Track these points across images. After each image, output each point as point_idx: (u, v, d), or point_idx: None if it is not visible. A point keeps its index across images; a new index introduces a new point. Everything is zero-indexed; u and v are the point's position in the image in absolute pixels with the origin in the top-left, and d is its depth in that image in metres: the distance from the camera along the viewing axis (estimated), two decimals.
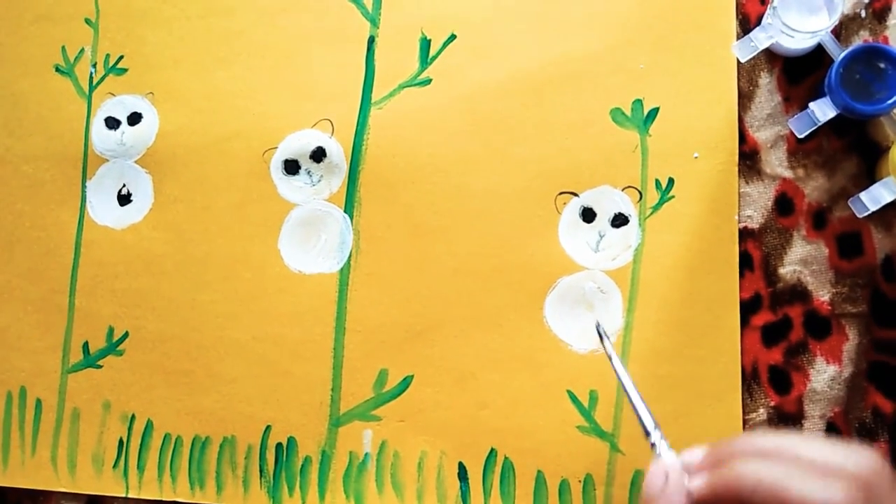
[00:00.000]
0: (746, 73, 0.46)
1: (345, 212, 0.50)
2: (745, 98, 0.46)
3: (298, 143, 0.50)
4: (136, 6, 0.54)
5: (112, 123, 0.53)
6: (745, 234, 0.45)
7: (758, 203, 0.46)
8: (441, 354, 0.48)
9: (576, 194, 0.47)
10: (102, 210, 0.53)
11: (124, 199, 0.53)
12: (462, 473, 0.47)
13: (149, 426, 0.50)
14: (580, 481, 0.45)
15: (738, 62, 0.46)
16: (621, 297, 0.46)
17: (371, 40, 0.51)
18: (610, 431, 0.45)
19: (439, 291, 0.48)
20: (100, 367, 0.51)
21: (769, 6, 0.43)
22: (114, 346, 0.51)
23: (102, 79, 0.54)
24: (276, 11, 0.52)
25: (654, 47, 0.47)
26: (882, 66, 0.41)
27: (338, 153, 0.50)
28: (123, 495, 0.50)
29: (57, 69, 0.55)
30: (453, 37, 0.50)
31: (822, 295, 0.45)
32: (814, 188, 0.45)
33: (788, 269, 0.45)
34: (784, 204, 0.45)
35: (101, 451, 0.51)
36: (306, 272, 0.50)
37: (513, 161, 0.48)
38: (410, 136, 0.49)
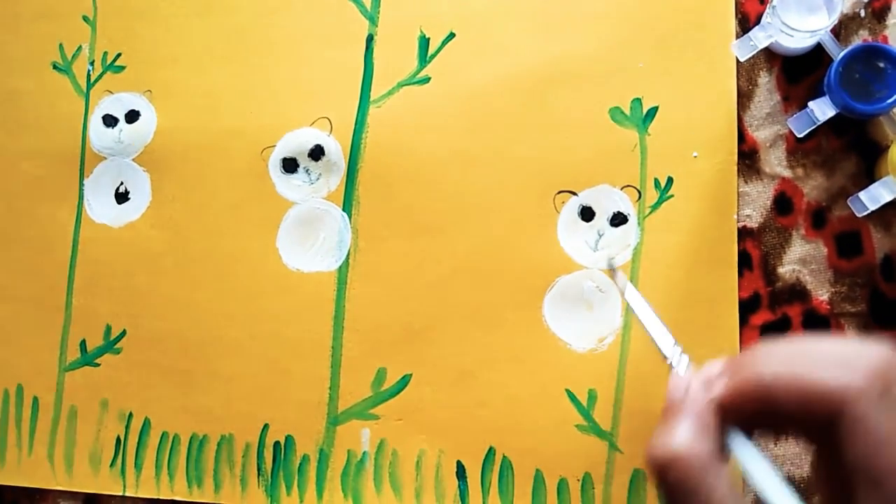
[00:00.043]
0: (746, 73, 0.46)
1: (343, 210, 0.50)
2: (744, 97, 0.46)
3: (297, 142, 0.50)
4: (133, 4, 0.54)
5: (110, 121, 0.53)
6: (743, 233, 0.45)
7: (757, 202, 0.46)
8: (439, 353, 0.48)
9: (574, 193, 0.47)
10: (100, 208, 0.53)
11: (122, 197, 0.52)
12: (460, 472, 0.47)
13: (146, 424, 0.50)
14: (579, 480, 0.45)
15: (738, 61, 0.46)
16: (620, 297, 0.46)
17: (370, 38, 0.50)
18: (608, 430, 0.45)
19: (438, 290, 0.48)
20: (97, 365, 0.51)
21: (768, 5, 0.43)
22: (111, 344, 0.51)
23: (100, 76, 0.54)
24: (275, 9, 0.52)
25: (653, 46, 0.47)
26: (881, 65, 0.41)
27: (336, 151, 0.50)
28: (121, 494, 0.50)
29: (54, 66, 0.54)
30: (452, 35, 0.50)
31: (821, 294, 0.45)
32: (813, 187, 0.45)
33: (787, 268, 0.45)
34: (783, 203, 0.45)
35: (99, 450, 0.51)
36: (304, 270, 0.50)
37: (511, 159, 0.48)
38: (409, 134, 0.49)
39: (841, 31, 0.46)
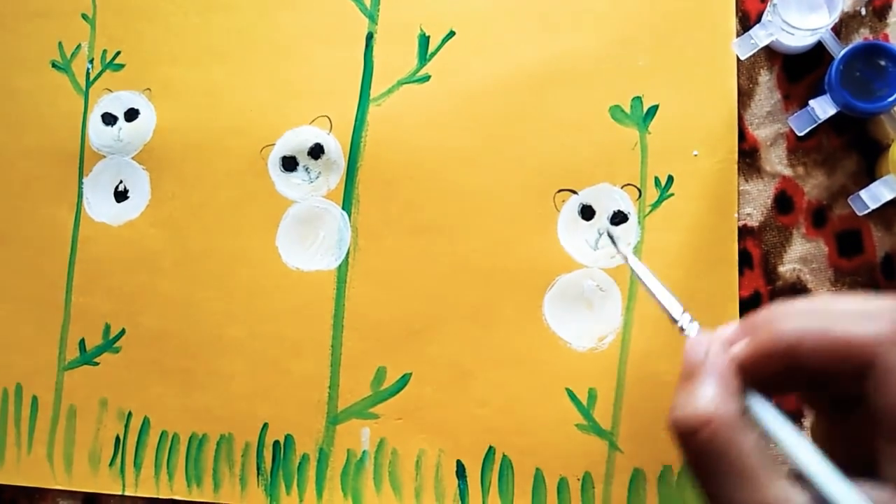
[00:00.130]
0: (746, 71, 0.46)
1: (343, 209, 0.49)
2: (744, 96, 0.46)
3: (296, 140, 0.50)
4: (133, 2, 0.54)
5: (109, 119, 0.53)
6: (744, 231, 0.45)
7: (757, 201, 0.46)
8: (439, 352, 0.47)
9: (575, 192, 0.47)
10: (99, 206, 0.53)
11: (121, 196, 0.52)
12: (460, 471, 0.47)
13: (145, 424, 0.50)
14: (579, 479, 0.45)
15: (738, 60, 0.46)
16: (620, 295, 0.46)
17: (370, 37, 0.50)
18: (609, 430, 0.45)
19: (437, 289, 0.48)
20: (96, 364, 0.51)
21: (769, 3, 0.43)
22: (110, 343, 0.51)
23: (99, 75, 0.54)
24: (275, 7, 0.52)
25: (653, 45, 0.47)
26: (882, 63, 0.41)
27: (336, 150, 0.50)
28: (120, 493, 0.50)
29: (53, 65, 0.54)
30: (452, 33, 0.49)
31: (822, 293, 0.45)
32: (813, 186, 0.45)
33: (788, 267, 0.45)
34: (784, 202, 0.45)
35: (98, 449, 0.51)
36: (304, 269, 0.50)
37: (512, 158, 0.48)
38: (409, 133, 0.49)
39: (842, 29, 0.46)
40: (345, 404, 0.48)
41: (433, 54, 0.49)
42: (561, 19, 0.48)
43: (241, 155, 0.51)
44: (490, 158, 0.48)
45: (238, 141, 0.51)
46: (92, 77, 0.54)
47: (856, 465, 0.30)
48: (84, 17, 0.54)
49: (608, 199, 0.47)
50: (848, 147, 0.45)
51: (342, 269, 0.49)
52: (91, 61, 0.54)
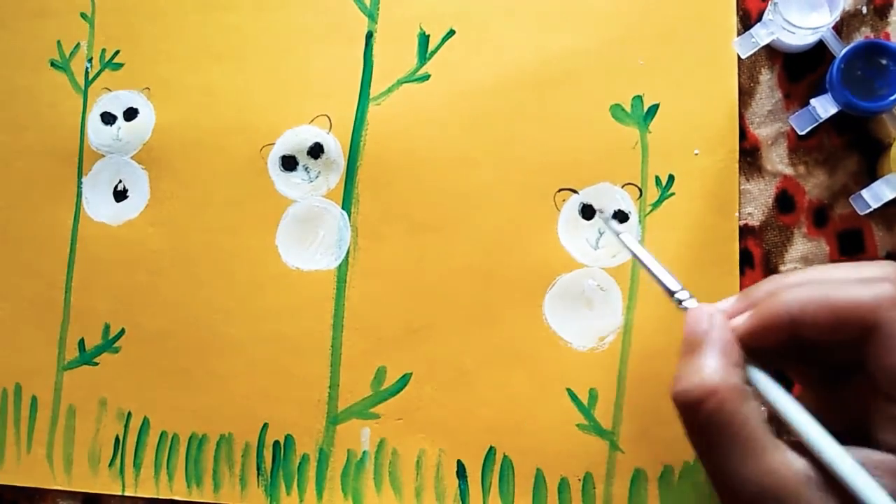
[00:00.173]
0: (747, 70, 0.46)
1: (342, 208, 0.49)
2: (745, 95, 0.46)
3: (296, 139, 0.50)
4: (132, 1, 0.54)
5: (108, 119, 0.53)
6: (745, 231, 0.45)
7: (758, 200, 0.45)
8: (439, 352, 0.47)
9: (575, 191, 0.47)
10: (98, 206, 0.52)
11: (120, 195, 0.52)
12: (461, 472, 0.46)
13: (145, 424, 0.50)
14: (580, 479, 0.45)
15: (739, 58, 0.46)
16: (621, 295, 0.46)
17: (369, 35, 0.50)
18: (610, 429, 0.45)
19: (437, 289, 0.48)
20: (96, 364, 0.51)
21: (770, 2, 0.42)
22: (110, 343, 0.51)
23: (98, 74, 0.53)
24: (274, 6, 0.51)
25: (653, 43, 0.47)
26: (884, 62, 0.41)
27: (335, 149, 0.50)
28: (120, 493, 0.50)
29: (52, 64, 0.54)
30: (452, 32, 0.49)
31: None
32: (815, 185, 0.45)
33: (789, 266, 0.45)
34: (785, 201, 0.45)
35: (98, 449, 0.51)
36: (304, 269, 0.49)
37: (512, 157, 0.48)
38: (408, 132, 0.49)
39: (843, 27, 0.45)
40: (345, 404, 0.48)
41: (433, 53, 0.49)
42: (561, 18, 0.48)
43: (240, 154, 0.51)
44: (490, 157, 0.48)
45: (237, 140, 0.51)
46: (91, 76, 0.54)
47: (844, 436, 0.30)
48: (83, 16, 0.54)
49: (609, 198, 0.47)
50: (849, 146, 0.45)
51: (342, 269, 0.49)
52: (90, 60, 0.54)
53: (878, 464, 0.29)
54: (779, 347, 0.32)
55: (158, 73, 0.52)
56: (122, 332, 0.51)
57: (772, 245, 0.45)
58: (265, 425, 0.49)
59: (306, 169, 0.50)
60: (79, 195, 0.53)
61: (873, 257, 0.44)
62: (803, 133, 0.43)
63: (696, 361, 0.32)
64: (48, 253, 0.53)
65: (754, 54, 0.44)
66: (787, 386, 0.32)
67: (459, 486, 0.46)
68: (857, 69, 0.41)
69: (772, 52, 0.46)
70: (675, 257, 0.45)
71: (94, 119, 0.53)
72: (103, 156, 0.53)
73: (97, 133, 0.53)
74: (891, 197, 0.41)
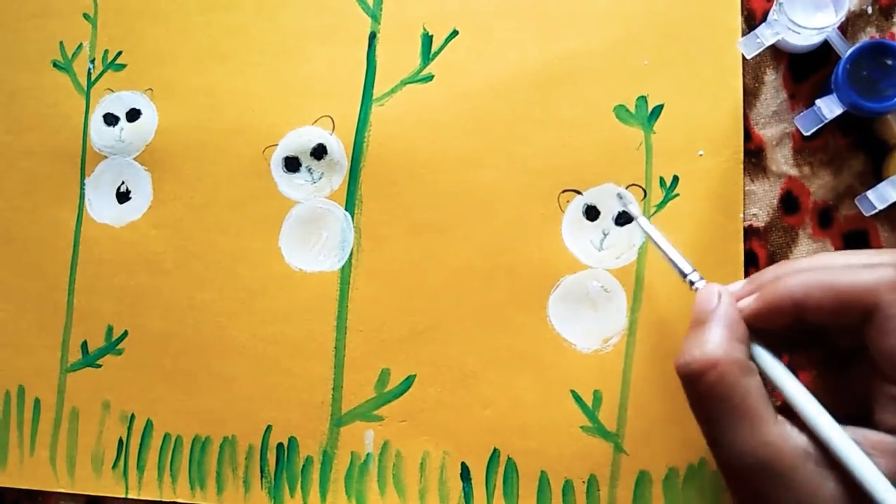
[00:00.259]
0: (752, 70, 0.46)
1: (346, 209, 0.49)
2: (750, 95, 0.46)
3: (299, 140, 0.50)
4: (134, 2, 0.53)
5: (110, 120, 0.53)
6: (750, 232, 0.45)
7: (763, 201, 0.45)
8: (443, 354, 0.47)
9: (579, 192, 0.47)
10: (101, 207, 0.52)
11: (123, 197, 0.52)
12: (465, 474, 0.46)
13: (148, 426, 0.50)
14: (584, 482, 0.45)
15: (744, 59, 0.46)
16: (625, 297, 0.46)
17: (372, 36, 0.50)
18: (614, 431, 0.45)
19: (441, 290, 0.48)
20: (99, 366, 0.51)
21: (775, 2, 0.42)
22: (113, 345, 0.51)
23: (101, 74, 0.53)
24: (277, 7, 0.51)
25: (658, 44, 0.47)
26: (889, 62, 0.41)
27: (339, 150, 0.50)
28: (123, 496, 0.50)
29: (55, 65, 0.54)
30: (455, 33, 0.49)
31: None
32: (820, 186, 0.45)
33: None
34: (790, 202, 0.45)
35: (101, 451, 0.50)
36: (307, 270, 0.49)
37: (515, 158, 0.48)
38: (412, 133, 0.49)
39: (848, 28, 0.45)
40: (348, 406, 0.48)
41: (436, 54, 0.49)
42: (565, 18, 0.48)
43: (243, 155, 0.51)
44: (494, 158, 0.48)
45: (240, 141, 0.51)
46: (93, 77, 0.53)
47: (850, 421, 0.31)
48: (85, 16, 0.54)
49: (613, 199, 0.46)
50: (855, 147, 0.45)
51: (345, 271, 0.49)
52: (92, 61, 0.54)
53: (876, 444, 0.30)
54: (784, 331, 0.33)
55: (161, 74, 0.52)
56: (125, 334, 0.51)
57: (777, 246, 0.45)
58: (269, 427, 0.49)
59: (309, 170, 0.50)
60: (81, 196, 0.53)
61: None
62: (808, 134, 0.43)
63: (700, 335, 0.33)
64: (51, 254, 0.53)
65: (759, 55, 0.44)
66: (792, 371, 0.33)
67: (463, 488, 0.46)
68: (863, 70, 0.41)
69: (777, 53, 0.46)
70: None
71: (96, 120, 0.53)
72: (106, 157, 0.53)
73: (100, 134, 0.53)
74: None
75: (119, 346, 0.51)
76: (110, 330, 0.51)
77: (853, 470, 0.29)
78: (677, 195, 0.46)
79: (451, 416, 0.47)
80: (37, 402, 0.52)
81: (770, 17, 0.43)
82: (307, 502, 0.48)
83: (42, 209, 0.53)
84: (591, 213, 0.47)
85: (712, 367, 0.31)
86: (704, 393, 0.32)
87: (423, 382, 0.47)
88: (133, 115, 0.52)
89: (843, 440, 0.30)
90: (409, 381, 0.47)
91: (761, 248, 0.45)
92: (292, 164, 0.50)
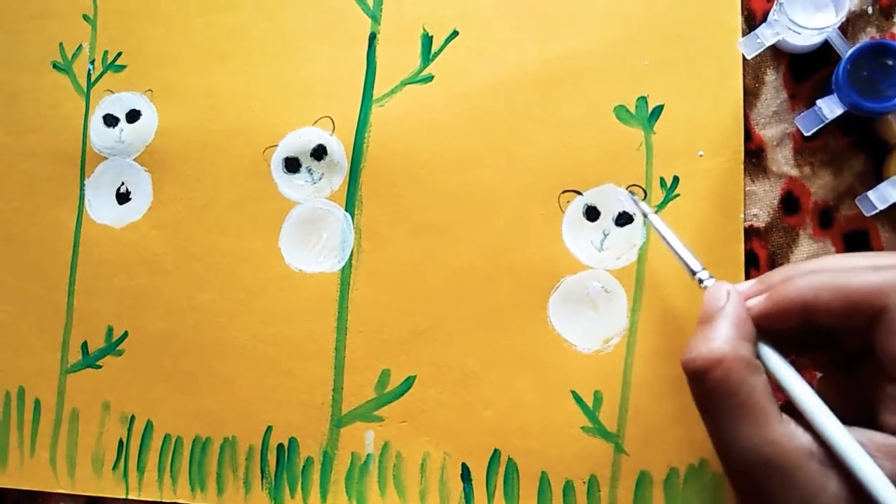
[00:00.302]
0: (752, 70, 0.46)
1: (346, 210, 0.49)
2: (750, 95, 0.46)
3: (299, 141, 0.50)
4: (134, 3, 0.53)
5: (110, 121, 0.53)
6: (750, 232, 0.45)
7: (763, 201, 0.45)
8: (443, 354, 0.47)
9: (579, 192, 0.47)
10: (101, 208, 0.52)
11: (123, 198, 0.52)
12: (465, 475, 0.46)
13: (149, 427, 0.50)
14: (584, 482, 0.45)
15: (744, 59, 0.46)
16: (626, 297, 0.46)
17: (372, 37, 0.50)
18: (615, 432, 0.45)
19: (441, 291, 0.48)
20: (99, 367, 0.51)
21: (775, 2, 0.42)
22: (113, 345, 0.51)
23: (101, 76, 0.53)
24: (277, 8, 0.51)
25: (658, 44, 0.47)
26: (890, 63, 0.41)
27: (339, 151, 0.49)
28: (123, 497, 0.50)
29: (55, 66, 0.54)
30: (455, 33, 0.49)
31: None
32: (820, 186, 0.45)
33: None
34: (790, 202, 0.45)
35: (101, 452, 0.50)
36: (307, 271, 0.49)
37: (515, 159, 0.48)
38: (412, 133, 0.49)
39: (848, 28, 0.45)
40: (349, 407, 0.48)
41: (436, 54, 0.49)
42: (565, 19, 0.48)
43: (243, 156, 0.51)
44: (494, 159, 0.48)
45: (240, 142, 0.51)
46: (93, 78, 0.53)
47: (857, 424, 0.31)
48: (85, 17, 0.54)
49: (613, 199, 0.46)
50: (855, 147, 0.45)
51: (345, 271, 0.49)
52: (92, 62, 0.54)
53: (881, 446, 0.30)
54: (792, 332, 0.33)
55: (161, 75, 0.52)
56: (126, 334, 0.51)
57: (777, 246, 0.45)
58: (269, 428, 0.49)
59: (309, 171, 0.50)
60: (81, 197, 0.53)
61: None
62: (809, 134, 0.43)
63: (707, 332, 0.33)
64: (51, 255, 0.53)
65: (759, 55, 0.44)
66: (798, 372, 0.33)
67: (464, 489, 0.46)
68: (863, 70, 0.41)
69: (777, 53, 0.46)
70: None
71: (96, 121, 0.53)
72: (106, 158, 0.53)
73: (99, 135, 0.53)
74: None
75: (119, 347, 0.51)
76: (110, 331, 0.51)
77: (856, 471, 0.29)
78: (677, 195, 0.46)
79: (451, 417, 0.47)
80: (37, 402, 0.52)
81: (770, 17, 0.43)
82: (307, 503, 0.48)
83: (42, 210, 0.53)
84: (592, 213, 0.47)
85: (718, 364, 0.31)
86: (710, 390, 0.32)
87: (423, 383, 0.47)
88: (133, 116, 0.52)
89: (847, 441, 0.30)
90: (409, 382, 0.47)
91: (762, 249, 0.45)
92: (292, 165, 0.50)
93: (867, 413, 0.32)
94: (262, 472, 0.48)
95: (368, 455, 0.47)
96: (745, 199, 0.45)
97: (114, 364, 0.51)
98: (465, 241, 0.48)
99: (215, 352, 0.50)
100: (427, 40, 0.49)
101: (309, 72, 0.50)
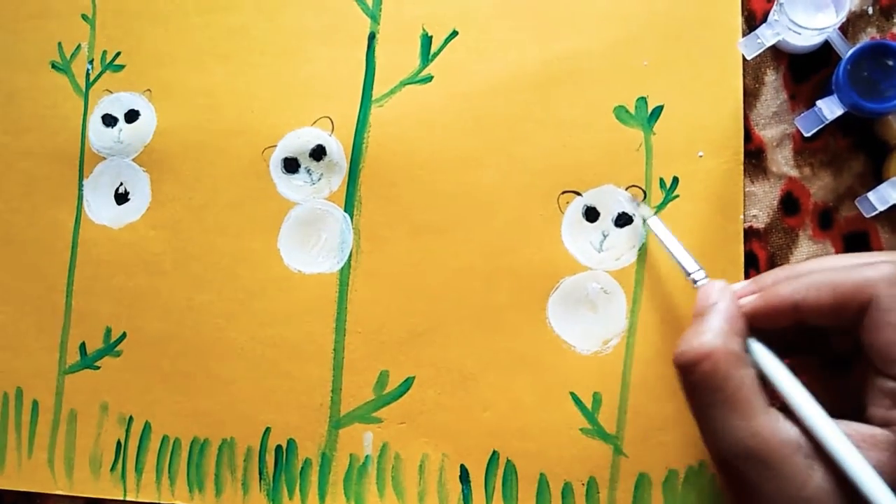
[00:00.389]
0: (752, 71, 0.46)
1: (345, 211, 0.49)
2: (750, 96, 0.46)
3: (298, 141, 0.50)
4: (133, 2, 0.53)
5: (109, 121, 0.53)
6: (750, 233, 0.45)
7: (763, 202, 0.45)
8: (442, 356, 0.47)
9: (579, 193, 0.47)
10: (99, 209, 0.52)
11: (122, 198, 0.52)
12: (464, 476, 0.46)
13: (147, 428, 0.50)
14: (583, 484, 0.45)
15: (744, 59, 0.46)
16: (625, 298, 0.46)
17: (371, 37, 0.50)
18: (613, 433, 0.45)
19: (440, 292, 0.48)
20: (97, 368, 0.51)
21: (776, 3, 0.42)
22: (111, 346, 0.51)
23: (99, 76, 0.53)
24: (276, 8, 0.51)
25: (658, 44, 0.47)
26: (890, 63, 0.41)
27: (338, 151, 0.49)
28: (121, 498, 0.50)
29: (53, 66, 0.54)
30: (455, 33, 0.49)
31: None
32: (820, 187, 0.45)
33: None
34: (790, 203, 0.45)
35: (99, 454, 0.50)
36: (306, 272, 0.49)
37: (515, 159, 0.47)
38: (411, 134, 0.49)
39: (849, 28, 0.45)
40: (347, 408, 0.48)
41: (436, 55, 0.49)
42: (564, 19, 0.48)
43: (242, 156, 0.51)
44: (493, 159, 0.48)
45: (239, 142, 0.51)
46: (92, 78, 0.53)
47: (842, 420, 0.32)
48: (84, 17, 0.54)
49: (613, 200, 0.46)
50: (855, 148, 0.44)
51: (344, 272, 0.49)
52: (91, 62, 0.53)
53: (867, 437, 0.31)
54: (783, 333, 0.34)
55: (160, 75, 0.52)
56: (124, 335, 0.51)
57: (777, 247, 0.45)
58: (267, 429, 0.48)
59: (308, 171, 0.50)
60: (80, 198, 0.53)
61: None
62: (809, 135, 0.42)
63: (698, 327, 0.34)
64: (49, 256, 0.52)
65: (759, 55, 0.44)
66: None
67: (463, 490, 0.46)
68: (864, 70, 0.41)
69: (777, 53, 0.46)
70: None
71: (95, 121, 0.53)
72: (104, 158, 0.52)
73: (98, 135, 0.53)
74: None
75: (117, 348, 0.51)
76: (109, 331, 0.51)
77: (841, 461, 0.30)
78: (677, 196, 0.45)
79: (450, 418, 0.47)
80: (35, 403, 0.52)
81: (770, 17, 0.43)
82: None
83: (40, 210, 0.53)
84: (591, 214, 0.46)
85: (707, 358, 0.32)
86: (698, 382, 0.32)
87: (422, 384, 0.47)
88: (132, 116, 0.52)
89: (833, 432, 0.30)
90: (408, 383, 0.47)
91: (761, 250, 0.45)
92: (291, 166, 0.50)
93: (857, 414, 0.32)
94: (261, 473, 0.48)
95: (367, 456, 0.47)
96: (744, 199, 0.45)
97: (112, 365, 0.51)
98: (465, 241, 0.48)
99: (214, 353, 0.50)
100: (426, 40, 0.49)
101: (308, 72, 0.50)
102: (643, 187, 0.46)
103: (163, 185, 0.51)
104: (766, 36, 0.42)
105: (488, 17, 0.49)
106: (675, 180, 0.46)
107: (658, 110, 0.46)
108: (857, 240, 0.44)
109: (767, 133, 0.45)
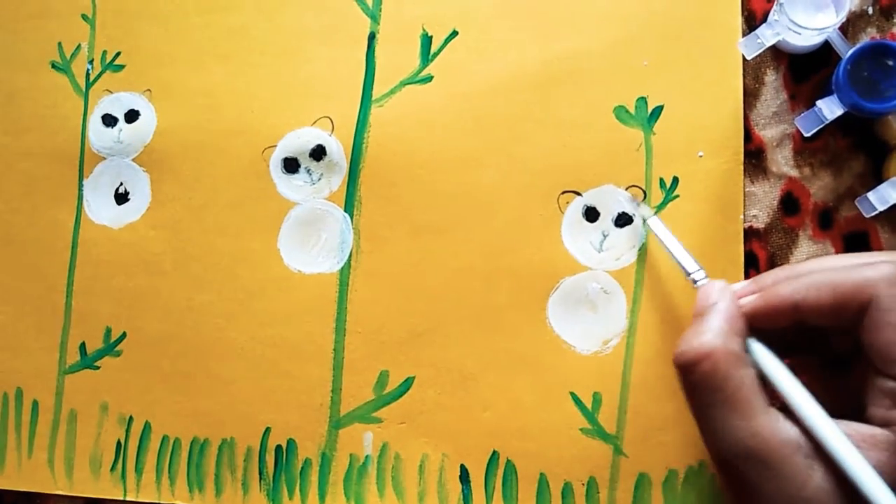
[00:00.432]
0: (752, 71, 0.46)
1: (345, 211, 0.49)
2: (750, 96, 0.46)
3: (298, 141, 0.50)
4: (133, 2, 0.53)
5: (109, 121, 0.53)
6: (750, 233, 0.45)
7: (763, 202, 0.45)
8: (442, 356, 0.47)
9: (579, 193, 0.47)
10: (99, 209, 0.52)
11: (122, 198, 0.52)
12: (464, 476, 0.46)
13: (147, 428, 0.50)
14: (583, 484, 0.45)
15: (744, 59, 0.46)
16: (625, 298, 0.45)
17: (371, 37, 0.50)
18: (613, 433, 0.45)
19: (440, 292, 0.48)
20: (97, 368, 0.51)
21: (776, 3, 0.42)
22: (111, 346, 0.51)
23: (99, 76, 0.53)
24: (276, 8, 0.51)
25: (658, 44, 0.47)
26: (890, 63, 0.41)
27: (338, 151, 0.49)
28: (121, 498, 0.50)
29: (53, 66, 0.54)
30: (455, 33, 0.49)
31: None
32: (820, 187, 0.45)
33: None
34: (790, 203, 0.45)
35: (99, 454, 0.50)
36: (306, 272, 0.49)
37: (515, 159, 0.47)
38: (411, 134, 0.49)
39: (849, 28, 0.45)
40: (347, 408, 0.48)
41: (436, 55, 0.49)
42: (564, 19, 0.48)
43: (242, 156, 0.51)
44: (493, 159, 0.48)
45: (239, 142, 0.51)
46: (92, 78, 0.53)
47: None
48: (84, 17, 0.54)
49: (613, 200, 0.46)
50: (855, 148, 0.44)
51: (344, 272, 0.49)
52: (91, 62, 0.53)
53: (867, 437, 0.31)
54: (783, 334, 0.34)
55: (160, 75, 0.52)
56: (124, 335, 0.51)
57: (777, 247, 0.45)
58: (267, 430, 0.48)
59: (308, 171, 0.50)
60: (80, 198, 0.53)
61: None
62: (809, 135, 0.42)
63: (698, 327, 0.34)
64: (49, 256, 0.52)
65: (759, 55, 0.44)
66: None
67: (462, 490, 0.46)
68: (864, 70, 0.41)
69: (777, 53, 0.46)
70: None
71: (95, 121, 0.53)
72: (104, 158, 0.52)
73: (98, 135, 0.53)
74: None
75: (117, 348, 0.51)
76: (109, 331, 0.51)
77: (841, 461, 0.30)
78: (677, 196, 0.45)
79: (450, 418, 0.47)
80: (35, 403, 0.52)
81: (770, 17, 0.43)
82: None
83: (40, 210, 0.53)
84: (591, 214, 0.46)
85: (707, 357, 0.32)
86: (698, 382, 0.32)
87: (422, 384, 0.47)
88: (131, 116, 0.52)
89: (833, 431, 0.30)
90: (408, 383, 0.47)
91: (761, 250, 0.45)
92: (291, 166, 0.50)
93: (857, 414, 0.32)
94: (261, 473, 0.48)
95: (367, 456, 0.47)
96: (744, 199, 0.45)
97: (112, 365, 0.51)
98: (464, 241, 0.48)
99: (214, 353, 0.50)
100: (426, 40, 0.49)
101: (308, 72, 0.50)
102: (643, 187, 0.46)
103: (163, 185, 0.51)
104: (766, 36, 0.42)
105: (488, 17, 0.49)
106: (675, 180, 0.46)
107: (658, 110, 0.46)
108: (857, 240, 0.44)
109: (767, 133, 0.45)
